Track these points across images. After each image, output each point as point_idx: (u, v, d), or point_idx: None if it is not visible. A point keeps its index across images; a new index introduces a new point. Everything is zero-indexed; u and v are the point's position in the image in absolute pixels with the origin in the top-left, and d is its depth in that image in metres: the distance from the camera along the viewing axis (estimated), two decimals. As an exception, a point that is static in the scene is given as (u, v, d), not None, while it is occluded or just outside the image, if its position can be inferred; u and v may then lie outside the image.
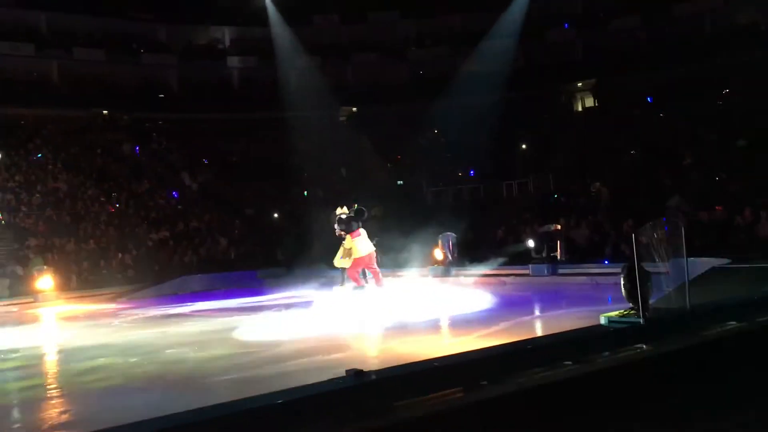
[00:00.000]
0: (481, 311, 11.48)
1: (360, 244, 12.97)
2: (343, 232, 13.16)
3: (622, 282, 6.85)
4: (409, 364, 5.69)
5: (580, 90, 32.06)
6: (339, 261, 13.77)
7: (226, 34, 35.44)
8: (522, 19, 29.74)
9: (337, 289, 14.24)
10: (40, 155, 27.54)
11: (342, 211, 13.60)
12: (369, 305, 12.98)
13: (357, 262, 13.11)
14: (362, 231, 12.98)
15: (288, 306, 13.98)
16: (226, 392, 6.24)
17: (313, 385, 4.87)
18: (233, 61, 34.60)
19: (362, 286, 13.92)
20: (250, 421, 4.26)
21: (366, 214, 13.26)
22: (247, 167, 29.25)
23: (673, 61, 26.65)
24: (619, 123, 25.09)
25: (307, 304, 14.07)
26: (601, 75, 29.88)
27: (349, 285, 14.10)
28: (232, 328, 11.05)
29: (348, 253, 13.33)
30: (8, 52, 29.63)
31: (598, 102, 30.75)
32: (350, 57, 34.41)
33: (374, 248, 13.25)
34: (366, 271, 13.45)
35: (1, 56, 29.49)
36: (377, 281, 13.27)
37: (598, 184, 19.88)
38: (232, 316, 12.77)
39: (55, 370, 8.88)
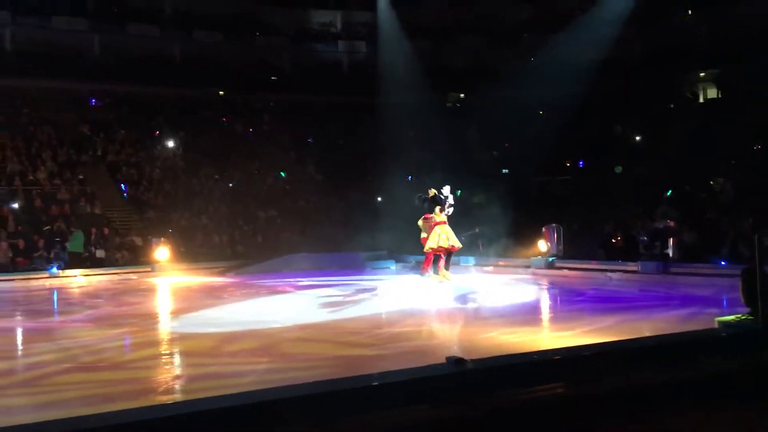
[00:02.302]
0: (584, 306, 11.20)
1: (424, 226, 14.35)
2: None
3: (741, 285, 6.50)
4: (508, 356, 5.65)
5: (703, 80, 30.36)
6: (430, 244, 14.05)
7: (337, 19, 35.98)
8: (633, 4, 28.42)
9: (444, 274, 14.32)
10: (160, 132, 29.07)
11: (432, 194, 13.95)
12: (471, 293, 12.96)
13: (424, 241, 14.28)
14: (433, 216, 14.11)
15: (391, 289, 14.13)
16: (325, 371, 6.40)
17: (411, 369, 4.91)
18: (343, 45, 35.13)
19: (427, 274, 14.15)
20: (344, 401, 4.34)
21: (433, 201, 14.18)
22: (353, 150, 29.69)
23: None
24: (744, 115, 23.59)
25: (407, 288, 14.20)
26: (725, 64, 28.14)
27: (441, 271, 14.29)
28: (334, 309, 11.31)
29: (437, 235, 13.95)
30: (135, 34, 31.36)
31: (721, 92, 29.04)
32: (458, 41, 34.12)
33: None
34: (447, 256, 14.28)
35: (130, 37, 31.23)
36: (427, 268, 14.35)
37: (721, 180, 18.83)
38: (334, 296, 13.05)
39: (168, 337, 9.39)
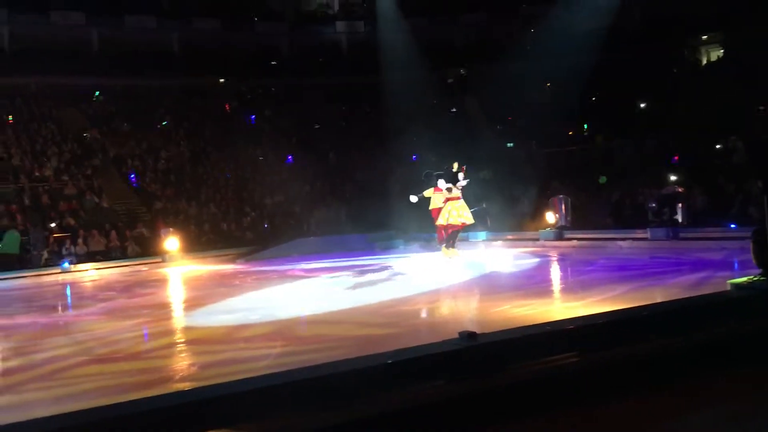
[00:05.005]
0: (595, 276, 11.17)
1: (437, 198, 14.36)
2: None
3: (752, 247, 6.47)
4: (521, 328, 5.64)
5: (706, 43, 30.04)
6: (443, 220, 14.01)
7: (334, 0, 35.76)
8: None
9: (445, 250, 14.29)
10: (164, 123, 29.07)
11: (456, 169, 13.75)
12: (481, 268, 12.97)
13: (433, 212, 14.49)
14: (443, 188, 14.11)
15: (401, 268, 14.13)
16: (340, 352, 6.42)
17: (426, 345, 4.92)
18: (341, 26, 34.93)
19: (440, 245, 14.44)
20: (360, 380, 4.36)
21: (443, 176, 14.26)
22: (357, 131, 29.62)
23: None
24: (748, 77, 23.34)
25: (416, 266, 14.22)
26: (729, 26, 27.82)
27: (456, 247, 14.24)
28: (345, 290, 11.34)
29: (454, 211, 13.81)
30: (133, 25, 31.29)
31: (725, 55, 28.73)
32: (458, 16, 33.88)
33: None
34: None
35: (127, 29, 31.17)
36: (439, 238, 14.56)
37: (734, 138, 18.63)
38: (344, 277, 13.08)
39: (181, 326, 9.45)
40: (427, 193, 14.69)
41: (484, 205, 18.54)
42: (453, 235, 14.27)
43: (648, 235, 14.82)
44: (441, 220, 14.04)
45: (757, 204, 13.69)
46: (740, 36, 27.06)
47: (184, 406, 3.89)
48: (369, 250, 18.81)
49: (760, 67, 23.48)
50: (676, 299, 6.80)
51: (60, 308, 12.78)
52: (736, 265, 10.45)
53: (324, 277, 13.44)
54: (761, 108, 21.65)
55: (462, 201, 13.95)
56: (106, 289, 14.75)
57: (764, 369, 5.05)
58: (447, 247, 14.20)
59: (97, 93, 30.36)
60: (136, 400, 4.16)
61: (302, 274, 14.42)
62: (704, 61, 30.07)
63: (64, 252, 19.32)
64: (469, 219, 14.02)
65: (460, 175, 13.92)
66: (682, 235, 14.50)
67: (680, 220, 15.28)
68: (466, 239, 16.81)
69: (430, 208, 14.76)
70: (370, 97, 30.25)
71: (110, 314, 10.62)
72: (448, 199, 13.90)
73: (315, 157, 28.32)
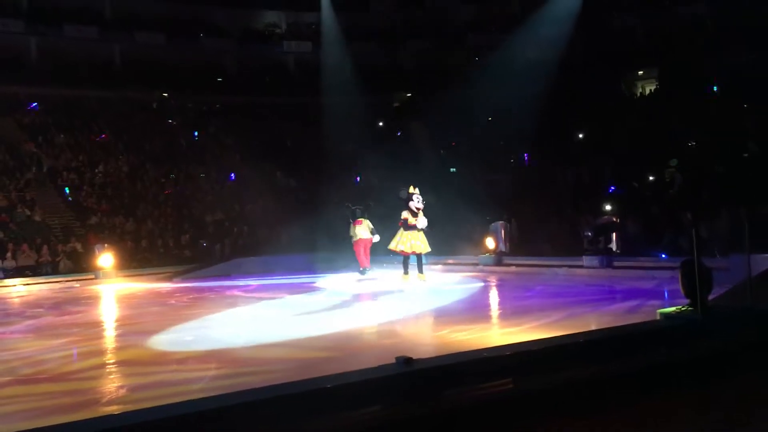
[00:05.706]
0: (532, 302, 11.34)
1: (359, 230, 15.40)
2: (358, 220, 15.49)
3: (680, 277, 6.67)
4: (458, 354, 5.68)
5: (642, 78, 31.19)
6: (393, 245, 14.24)
7: (282, 20, 35.76)
8: (579, 5, 29.08)
9: (400, 275, 14.47)
10: (103, 136, 28.37)
11: (414, 191, 14.39)
12: (421, 292, 13.02)
13: (356, 245, 15.54)
14: (364, 221, 15.49)
15: (342, 290, 14.08)
16: (277, 375, 6.33)
17: (362, 370, 4.89)
18: (289, 46, 34.93)
19: (365, 269, 15.57)
20: (298, 404, 4.30)
21: (368, 209, 15.73)
22: (303, 151, 29.51)
23: (741, 47, 25.58)
24: (680, 112, 24.32)
25: (354, 288, 14.18)
26: (663, 62, 29.01)
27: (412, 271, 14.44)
28: (283, 311, 11.22)
29: (404, 238, 14.27)
30: (74, 35, 30.54)
31: (659, 90, 29.87)
32: (406, 42, 34.37)
33: (371, 236, 15.55)
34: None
35: (68, 39, 30.40)
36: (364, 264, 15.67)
37: (671, 170, 19.24)
38: (283, 299, 12.94)
39: (112, 346, 9.16)
40: (351, 231, 15.50)
41: (424, 229, 18.67)
42: (405, 261, 14.47)
43: (583, 262, 15.15)
44: (392, 245, 14.31)
45: (686, 235, 14.17)
46: (673, 72, 28.20)
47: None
48: (309, 270, 18.67)
49: (691, 102, 24.52)
50: (610, 327, 6.96)
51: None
52: (666, 294, 10.77)
53: (262, 298, 13.26)
54: (691, 143, 22.48)
55: (418, 231, 14.15)
56: (34, 306, 14.20)
57: (696, 394, 5.21)
58: (403, 272, 14.53)
59: (34, 104, 29.46)
60: (61, 425, 4.00)
61: (240, 294, 14.21)
62: (638, 95, 31.19)
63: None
64: (420, 248, 14.25)
65: (415, 197, 14.18)
66: (615, 263, 14.86)
67: (614, 248, 15.67)
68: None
69: (353, 241, 15.49)
70: (316, 117, 30.24)
71: (37, 332, 10.23)
72: (407, 227, 14.09)
73: (259, 176, 28.06)
